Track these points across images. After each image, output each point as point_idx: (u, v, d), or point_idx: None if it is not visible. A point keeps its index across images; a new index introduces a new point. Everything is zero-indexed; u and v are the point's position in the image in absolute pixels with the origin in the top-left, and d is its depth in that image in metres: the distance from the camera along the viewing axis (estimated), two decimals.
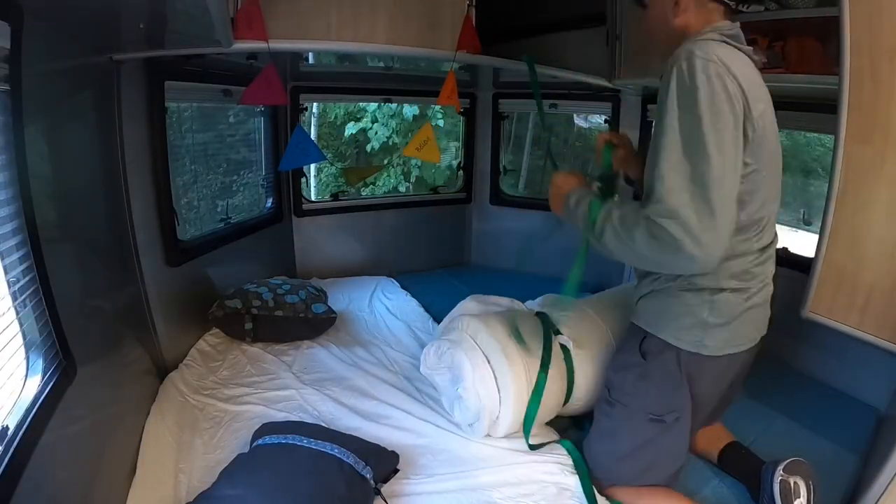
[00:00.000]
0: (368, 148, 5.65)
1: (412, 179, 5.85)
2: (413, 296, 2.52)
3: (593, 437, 1.31)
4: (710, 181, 0.88)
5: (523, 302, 1.96)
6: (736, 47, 1.01)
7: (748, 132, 0.94)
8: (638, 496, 1.23)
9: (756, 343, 1.16)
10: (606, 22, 2.15)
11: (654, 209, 0.92)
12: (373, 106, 5.48)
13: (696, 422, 1.22)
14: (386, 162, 5.54)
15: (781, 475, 1.16)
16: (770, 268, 1.13)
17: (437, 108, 5.25)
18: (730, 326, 1.08)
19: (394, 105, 5.26)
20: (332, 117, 5.69)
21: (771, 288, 1.15)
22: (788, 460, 1.18)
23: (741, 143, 0.93)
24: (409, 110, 5.48)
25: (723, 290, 1.05)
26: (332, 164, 5.65)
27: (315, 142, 2.19)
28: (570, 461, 1.33)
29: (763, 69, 1.70)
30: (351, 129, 5.54)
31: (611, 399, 1.24)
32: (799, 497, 1.13)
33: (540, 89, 1.58)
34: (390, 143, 5.67)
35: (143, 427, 1.39)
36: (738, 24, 1.06)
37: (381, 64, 2.52)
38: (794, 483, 1.14)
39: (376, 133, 5.55)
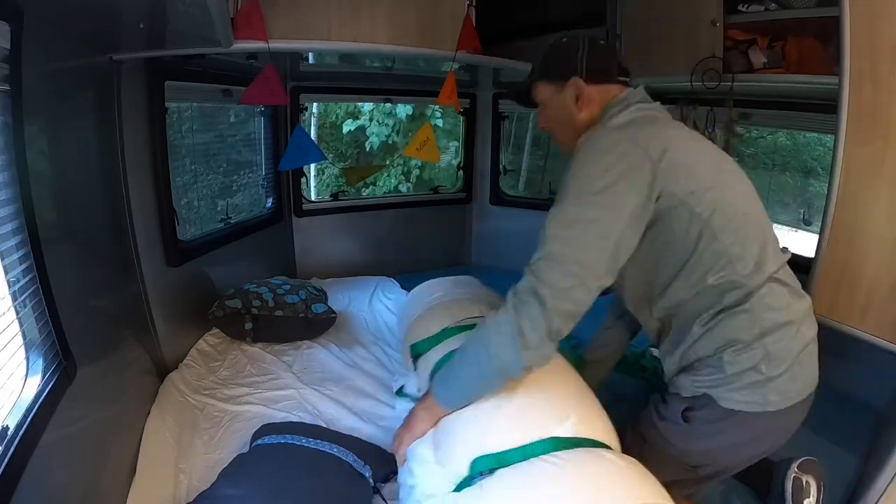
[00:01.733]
0: (367, 146, 5.64)
1: (412, 180, 5.84)
2: None
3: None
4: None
5: None
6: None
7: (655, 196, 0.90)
8: None
9: (812, 389, 1.00)
10: (606, 22, 2.15)
11: None
12: (369, 105, 5.47)
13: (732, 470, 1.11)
14: (388, 162, 5.54)
15: (795, 472, 1.14)
16: (803, 296, 1.01)
17: (435, 107, 5.26)
18: (790, 371, 0.94)
19: (389, 104, 5.26)
20: (333, 117, 5.69)
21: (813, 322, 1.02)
22: (802, 459, 1.16)
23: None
24: (402, 109, 5.47)
25: (767, 334, 0.92)
26: (332, 165, 5.65)
27: (315, 142, 2.19)
28: None
29: (763, 69, 1.72)
30: (349, 125, 5.54)
31: (640, 447, 1.08)
32: (809, 496, 1.12)
33: None
34: (390, 141, 5.66)
35: (143, 427, 1.39)
36: (639, 88, 1.05)
37: (377, 64, 2.52)
38: (806, 482, 1.13)
39: (374, 132, 5.54)
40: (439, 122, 5.59)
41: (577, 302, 0.89)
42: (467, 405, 1.02)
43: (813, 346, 0.99)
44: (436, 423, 1.08)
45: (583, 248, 0.89)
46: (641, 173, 0.88)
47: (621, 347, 1.46)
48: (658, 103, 1.04)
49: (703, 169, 0.95)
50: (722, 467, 1.06)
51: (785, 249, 1.03)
